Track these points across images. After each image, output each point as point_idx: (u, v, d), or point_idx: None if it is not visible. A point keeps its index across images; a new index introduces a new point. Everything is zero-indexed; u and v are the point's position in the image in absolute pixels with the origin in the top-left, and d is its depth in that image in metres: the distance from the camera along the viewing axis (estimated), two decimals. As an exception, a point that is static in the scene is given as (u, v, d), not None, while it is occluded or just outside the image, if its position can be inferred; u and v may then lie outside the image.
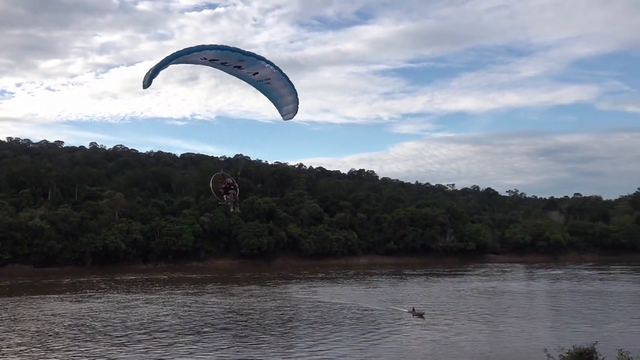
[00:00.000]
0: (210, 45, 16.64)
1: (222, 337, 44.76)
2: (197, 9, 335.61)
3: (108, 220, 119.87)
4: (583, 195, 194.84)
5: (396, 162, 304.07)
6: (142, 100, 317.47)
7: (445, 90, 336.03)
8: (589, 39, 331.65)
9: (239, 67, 17.65)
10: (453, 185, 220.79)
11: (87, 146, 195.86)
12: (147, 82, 16.41)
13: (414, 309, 54.50)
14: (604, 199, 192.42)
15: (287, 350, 40.19)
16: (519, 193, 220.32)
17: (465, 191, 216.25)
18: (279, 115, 20.24)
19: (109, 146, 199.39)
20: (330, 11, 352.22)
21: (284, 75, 18.30)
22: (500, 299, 68.84)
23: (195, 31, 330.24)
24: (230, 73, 18.39)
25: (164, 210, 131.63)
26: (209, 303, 63.71)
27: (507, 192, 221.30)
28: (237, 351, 39.87)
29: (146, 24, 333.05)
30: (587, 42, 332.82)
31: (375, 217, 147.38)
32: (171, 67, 16.86)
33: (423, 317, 52.09)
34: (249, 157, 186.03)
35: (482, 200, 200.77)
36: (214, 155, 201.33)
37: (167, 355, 38.64)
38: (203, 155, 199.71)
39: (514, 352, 38.71)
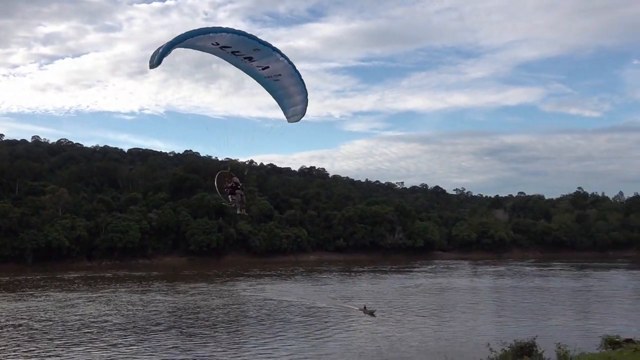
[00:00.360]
0: (227, 28, 15.29)
1: (168, 336, 43.90)
2: (147, 1, 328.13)
3: (51, 217, 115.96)
4: (526, 194, 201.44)
5: (347, 159, 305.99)
6: (88, 93, 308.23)
7: (396, 89, 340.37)
8: (535, 42, 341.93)
9: (250, 58, 16.14)
10: (402, 183, 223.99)
11: (29, 140, 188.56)
12: (157, 60, 14.78)
13: (365, 307, 54.75)
14: (546, 197, 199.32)
15: (235, 349, 39.81)
16: (465, 191, 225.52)
17: (414, 189, 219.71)
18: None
19: (52, 140, 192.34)
20: (283, 8, 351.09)
21: (297, 71, 16.79)
22: (446, 295, 70.27)
23: (144, 23, 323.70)
24: (237, 65, 16.81)
25: (109, 207, 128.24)
26: (155, 301, 62.45)
27: (454, 190, 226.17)
28: (184, 350, 39.21)
29: (93, 15, 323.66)
30: (532, 46, 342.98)
31: (325, 214, 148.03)
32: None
33: (374, 315, 52.42)
34: (198, 153, 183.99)
35: (430, 199, 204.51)
36: (163, 151, 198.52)
37: (110, 356, 37.62)
38: (151, 150, 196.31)
39: (459, 347, 39.49)
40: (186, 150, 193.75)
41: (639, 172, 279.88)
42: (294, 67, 16.64)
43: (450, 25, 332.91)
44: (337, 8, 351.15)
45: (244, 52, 15.86)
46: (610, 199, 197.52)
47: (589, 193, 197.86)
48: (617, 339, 21.35)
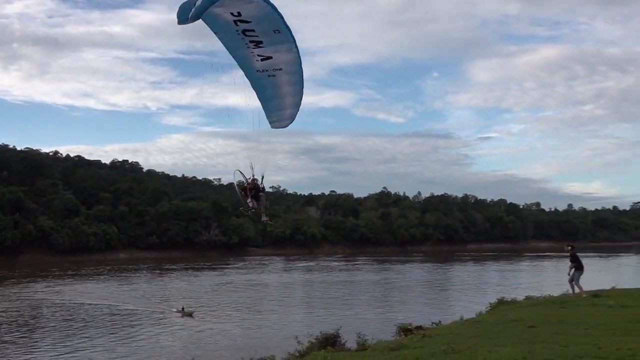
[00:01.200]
0: None
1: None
2: None
3: None
4: (337, 193, 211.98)
5: (163, 154, 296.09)
6: None
7: (216, 84, 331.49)
8: (349, 49, 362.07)
9: (260, 42, 13.52)
10: (219, 179, 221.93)
11: None
12: (196, 13, 11.69)
13: (183, 308, 52.66)
14: (355, 196, 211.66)
15: (27, 355, 36.13)
16: (281, 189, 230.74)
17: (231, 185, 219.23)
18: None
19: None
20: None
21: (301, 68, 14.36)
22: (258, 291, 71.17)
23: None
24: (234, 50, 14.08)
25: None
26: None
27: (270, 188, 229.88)
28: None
29: None
30: (347, 52, 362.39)
31: (137, 210, 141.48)
32: None
33: (193, 317, 50.66)
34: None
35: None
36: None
37: None
38: None
39: (268, 342, 40.07)
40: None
41: (435, 175, 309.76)
42: (300, 62, 14.30)
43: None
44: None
45: (259, 32, 13.27)
46: (410, 198, 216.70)
47: (392, 192, 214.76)
48: (409, 327, 23.08)
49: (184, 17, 12.51)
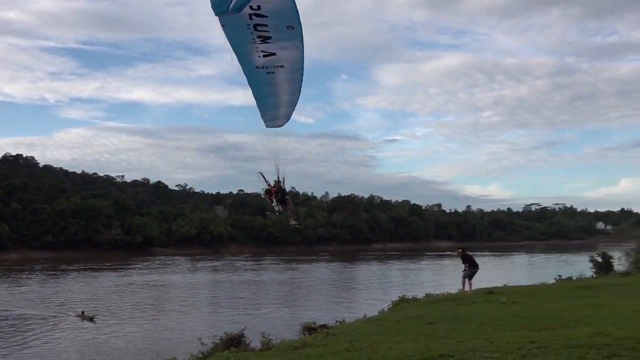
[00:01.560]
0: None
1: None
2: None
3: None
4: (246, 192, 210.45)
5: (61, 149, 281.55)
6: None
7: (120, 78, 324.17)
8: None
9: (268, 38, 12.78)
10: (123, 176, 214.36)
11: None
12: (239, 5, 10.95)
13: (83, 312, 50.00)
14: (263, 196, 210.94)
15: None
16: (188, 187, 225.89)
17: (135, 183, 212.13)
18: None
19: None
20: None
21: (303, 66, 13.59)
22: (162, 292, 69.32)
23: None
24: (238, 45, 13.17)
25: None
26: None
27: (176, 186, 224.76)
28: None
29: None
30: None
31: (32, 207, 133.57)
32: None
33: (94, 321, 48.21)
34: None
35: (152, 194, 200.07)
36: None
37: None
38: None
39: (171, 344, 39.10)
40: None
41: (342, 175, 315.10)
42: (303, 60, 13.56)
43: (181, 19, 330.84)
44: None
45: (271, 27, 12.51)
46: (318, 198, 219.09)
47: (301, 192, 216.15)
48: (313, 325, 23.30)
49: (223, 8, 11.70)
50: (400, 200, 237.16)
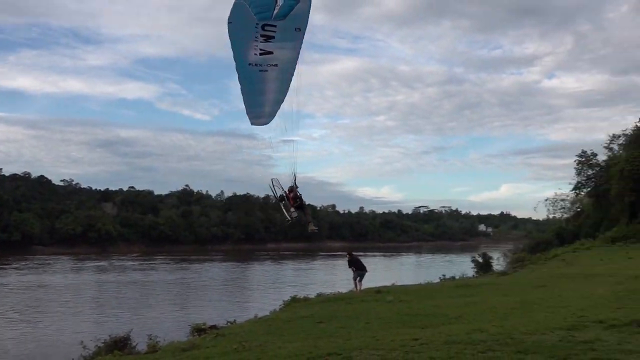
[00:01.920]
0: None
1: None
2: None
3: None
4: (137, 189, 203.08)
5: None
6: None
7: (0, 64, 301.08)
8: (156, 40, 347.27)
9: (272, 37, 12.51)
10: (0, 170, 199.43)
11: None
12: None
13: None
14: (156, 193, 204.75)
15: None
16: (74, 183, 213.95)
17: (14, 177, 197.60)
18: None
19: None
20: None
21: (294, 67, 13.36)
22: (42, 294, 65.13)
23: None
24: (238, 41, 12.80)
25: None
26: None
27: (61, 181, 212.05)
28: None
29: None
30: (153, 43, 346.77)
31: None
32: None
33: None
34: None
35: (33, 188, 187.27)
36: None
37: None
38: None
39: (50, 349, 36.88)
40: None
41: (238, 174, 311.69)
42: (297, 61, 13.41)
43: (69, 5, 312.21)
44: None
45: (280, 28, 12.29)
46: (213, 197, 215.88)
47: (195, 190, 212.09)
48: (203, 326, 23.00)
49: (267, 14, 11.76)
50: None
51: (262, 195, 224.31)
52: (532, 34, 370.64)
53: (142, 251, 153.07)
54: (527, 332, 12.43)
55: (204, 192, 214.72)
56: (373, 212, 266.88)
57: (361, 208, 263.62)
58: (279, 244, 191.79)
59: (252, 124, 15.27)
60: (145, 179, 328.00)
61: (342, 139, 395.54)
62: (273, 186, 16.11)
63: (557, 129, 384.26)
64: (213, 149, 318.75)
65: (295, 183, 15.52)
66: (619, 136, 74.28)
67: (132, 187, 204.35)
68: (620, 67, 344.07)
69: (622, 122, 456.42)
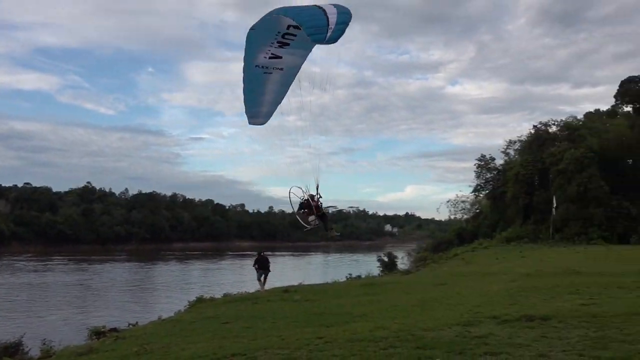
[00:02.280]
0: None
1: None
2: None
3: None
4: (33, 185, 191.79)
5: None
6: None
7: None
8: (56, 29, 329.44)
9: (287, 44, 12.84)
10: None
11: None
12: (335, 37, 11.30)
13: None
14: (55, 190, 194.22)
15: None
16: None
17: None
18: None
19: None
20: None
21: (299, 71, 13.86)
22: None
23: None
24: (254, 44, 13.18)
25: None
26: None
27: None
28: None
29: None
30: (53, 32, 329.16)
31: None
32: None
33: None
34: None
35: None
36: None
37: None
38: None
39: None
40: None
41: (144, 171, 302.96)
42: (301, 66, 13.89)
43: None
44: None
45: (300, 38, 12.27)
46: (117, 194, 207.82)
47: (97, 188, 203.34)
48: (102, 329, 22.13)
49: (320, 36, 11.38)
50: (204, 199, 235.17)
51: (169, 193, 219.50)
52: (438, 42, 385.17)
53: (39, 251, 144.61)
54: (427, 328, 12.89)
55: (107, 190, 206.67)
56: (282, 211, 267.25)
57: (270, 207, 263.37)
58: (187, 244, 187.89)
59: (249, 123, 15.81)
60: (43, 174, 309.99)
61: (252, 138, 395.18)
62: (295, 195, 15.77)
63: (460, 133, 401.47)
64: (118, 145, 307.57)
65: (318, 190, 15.34)
66: (515, 142, 79.17)
67: (28, 183, 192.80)
68: (518, 76, 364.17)
69: (518, 128, 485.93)
